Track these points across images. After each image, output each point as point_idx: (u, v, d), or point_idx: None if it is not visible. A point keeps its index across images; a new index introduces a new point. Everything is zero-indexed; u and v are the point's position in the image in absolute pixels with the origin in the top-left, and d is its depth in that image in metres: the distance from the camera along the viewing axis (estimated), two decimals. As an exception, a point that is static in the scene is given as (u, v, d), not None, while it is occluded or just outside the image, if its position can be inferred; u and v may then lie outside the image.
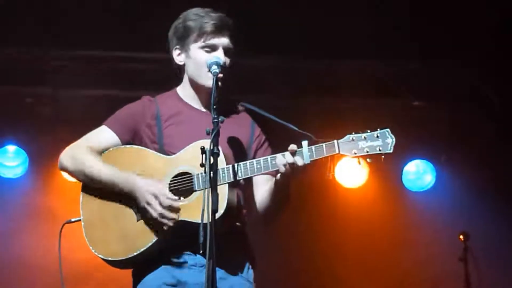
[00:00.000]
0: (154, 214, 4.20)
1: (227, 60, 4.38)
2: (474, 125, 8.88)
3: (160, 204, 4.19)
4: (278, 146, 4.36)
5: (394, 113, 8.87)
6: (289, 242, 8.80)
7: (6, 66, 8.29)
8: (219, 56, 4.34)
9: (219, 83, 4.21)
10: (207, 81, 4.36)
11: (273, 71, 8.62)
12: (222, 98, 4.26)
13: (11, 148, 8.75)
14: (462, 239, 8.05)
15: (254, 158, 4.36)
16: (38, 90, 8.54)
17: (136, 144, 4.44)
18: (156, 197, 4.20)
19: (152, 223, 4.24)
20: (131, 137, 4.46)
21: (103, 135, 4.47)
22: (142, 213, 4.27)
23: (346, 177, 9.05)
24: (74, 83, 8.44)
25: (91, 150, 4.41)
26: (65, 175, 8.31)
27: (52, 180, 8.68)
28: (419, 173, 9.28)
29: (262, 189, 4.43)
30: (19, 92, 8.54)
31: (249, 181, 4.44)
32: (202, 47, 4.39)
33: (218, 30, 4.37)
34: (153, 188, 4.23)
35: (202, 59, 4.38)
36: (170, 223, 4.19)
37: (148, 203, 4.21)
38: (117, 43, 8.16)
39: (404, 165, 9.16)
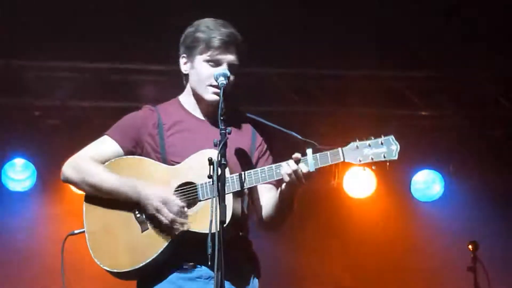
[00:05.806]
0: (165, 221, 4.18)
1: (231, 76, 4.35)
2: (483, 134, 8.86)
3: (170, 210, 4.18)
4: (280, 155, 4.34)
5: (403, 122, 8.87)
6: (296, 252, 8.79)
7: (14, 79, 8.32)
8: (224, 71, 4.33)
9: (221, 97, 4.17)
10: (206, 94, 4.37)
11: (282, 80, 8.65)
12: (224, 107, 4.27)
13: (19, 161, 8.77)
14: (471, 249, 8.03)
15: (256, 167, 4.34)
16: (46, 103, 8.56)
17: (138, 154, 4.43)
18: (165, 203, 4.19)
19: (160, 231, 4.23)
20: (133, 147, 4.43)
21: (105, 145, 4.45)
22: (150, 221, 4.25)
23: (354, 187, 9.05)
24: (81, 95, 8.46)
25: (94, 160, 4.40)
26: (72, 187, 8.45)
27: (61, 192, 8.69)
28: (427, 183, 9.27)
29: (266, 197, 4.41)
30: (27, 105, 8.56)
31: (252, 189, 4.42)
32: (207, 61, 4.38)
33: (225, 46, 4.35)
34: (163, 195, 4.22)
35: (205, 72, 4.37)
36: (181, 228, 4.17)
37: (158, 210, 4.19)
38: (124, 55, 8.18)
39: (412, 175, 9.16)
